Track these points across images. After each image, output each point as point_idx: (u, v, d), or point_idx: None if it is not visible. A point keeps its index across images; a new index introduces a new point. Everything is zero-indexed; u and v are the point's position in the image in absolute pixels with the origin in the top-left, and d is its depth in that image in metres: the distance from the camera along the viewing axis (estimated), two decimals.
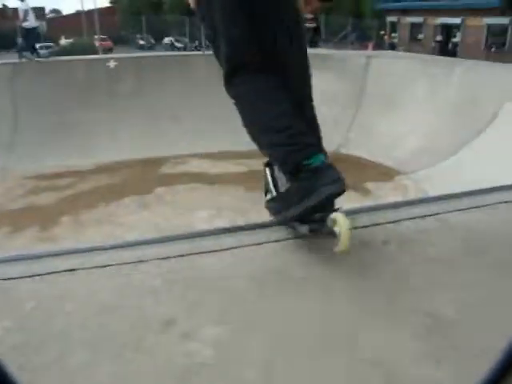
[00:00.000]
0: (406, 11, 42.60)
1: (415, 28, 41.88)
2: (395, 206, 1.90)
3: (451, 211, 1.81)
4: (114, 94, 10.38)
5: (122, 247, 1.76)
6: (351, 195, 7.27)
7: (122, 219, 6.53)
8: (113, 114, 10.04)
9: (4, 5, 60.50)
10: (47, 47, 36.74)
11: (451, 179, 7.46)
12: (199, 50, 31.83)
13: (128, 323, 1.29)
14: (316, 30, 16.72)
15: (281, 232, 1.96)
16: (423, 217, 1.80)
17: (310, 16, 10.74)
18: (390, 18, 44.67)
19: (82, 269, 1.60)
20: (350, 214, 2.24)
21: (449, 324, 1.10)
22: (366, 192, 7.52)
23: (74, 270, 1.60)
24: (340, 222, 1.44)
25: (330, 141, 9.52)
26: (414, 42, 41.04)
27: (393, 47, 39.90)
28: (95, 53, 31.45)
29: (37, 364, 1.18)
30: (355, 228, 1.79)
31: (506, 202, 1.89)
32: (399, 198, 7.25)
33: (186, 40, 38.47)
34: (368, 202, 7.12)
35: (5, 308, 1.45)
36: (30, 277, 1.58)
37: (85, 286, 1.54)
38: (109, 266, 1.60)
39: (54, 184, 8.19)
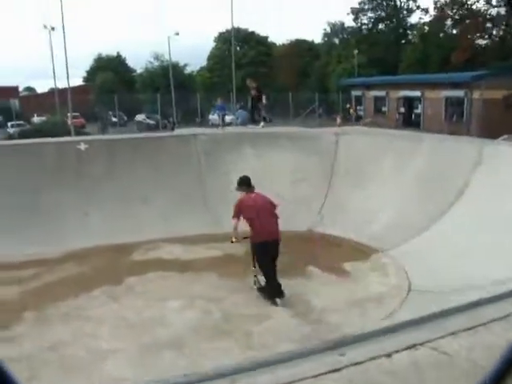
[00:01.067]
0: (369, 86, 44.86)
1: (379, 101, 43.99)
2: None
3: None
4: (84, 176, 10.23)
5: None
6: (330, 278, 7.15)
7: (91, 312, 6.18)
8: (83, 196, 9.84)
9: None
10: (18, 125, 36.99)
11: (428, 255, 7.46)
12: (171, 126, 32.41)
13: None
14: (259, 98, 14.23)
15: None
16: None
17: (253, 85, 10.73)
18: (355, 93, 46.88)
19: None
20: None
21: None
22: (343, 274, 7.39)
23: None
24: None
25: (304, 220, 9.59)
26: (378, 113, 42.93)
27: (359, 119, 41.57)
28: (67, 130, 31.76)
29: None
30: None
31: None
32: (378, 279, 7.16)
33: (158, 117, 39.34)
34: (347, 284, 6.99)
35: None
36: None
37: None
38: None
39: (17, 275, 7.76)
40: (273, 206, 6.83)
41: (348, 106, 44.14)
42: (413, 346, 2.20)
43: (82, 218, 9.53)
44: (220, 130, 13.29)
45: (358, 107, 45.67)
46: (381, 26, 59.47)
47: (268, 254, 6.42)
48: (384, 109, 43.10)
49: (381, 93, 43.02)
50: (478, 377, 1.21)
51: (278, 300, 6.28)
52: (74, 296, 6.77)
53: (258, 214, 6.52)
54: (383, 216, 9.22)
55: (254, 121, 14.48)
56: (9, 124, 38.78)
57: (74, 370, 4.95)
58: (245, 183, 7.06)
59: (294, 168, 10.54)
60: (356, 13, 58.33)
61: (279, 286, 6.34)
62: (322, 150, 10.84)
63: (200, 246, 8.63)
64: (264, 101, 14.39)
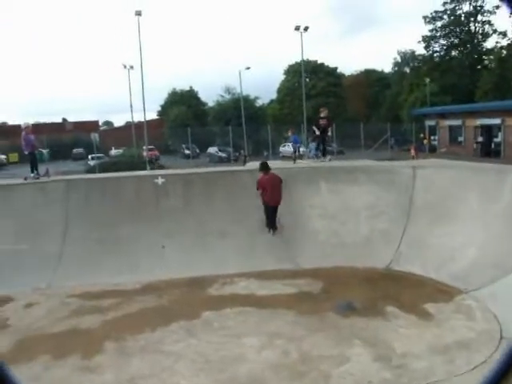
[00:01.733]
0: (443, 115, 43.50)
1: (454, 130, 42.47)
2: None
3: None
4: (161, 209, 10.57)
5: None
6: (412, 320, 6.78)
7: (169, 347, 6.23)
8: (160, 229, 10.14)
9: (64, 119, 65.72)
10: (98, 157, 39.19)
11: None
12: (243, 159, 32.91)
13: None
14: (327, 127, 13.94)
15: None
16: None
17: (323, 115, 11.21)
18: (429, 122, 45.63)
19: None
20: None
21: None
22: (426, 315, 6.98)
23: None
24: None
25: (382, 256, 9.27)
26: (454, 143, 41.41)
27: (434, 149, 40.30)
28: (143, 162, 33.14)
29: None
30: None
31: None
32: (464, 322, 6.71)
33: (230, 149, 40.25)
34: (430, 327, 6.60)
35: None
36: None
37: None
38: None
39: (98, 304, 8.05)
40: (280, 181, 10.26)
41: (422, 136, 43.01)
42: None
43: (159, 251, 9.78)
44: (293, 164, 13.31)
45: (432, 137, 44.38)
46: (454, 52, 57.96)
47: (270, 209, 10.21)
48: (460, 138, 41.55)
49: (456, 122, 41.58)
50: None
51: (271, 230, 10.23)
52: (151, 329, 6.87)
53: (268, 187, 10.09)
54: (466, 254, 8.70)
55: (323, 154, 14.36)
56: (89, 156, 41.21)
57: None
58: (264, 167, 10.44)
59: (370, 203, 10.28)
60: (427, 40, 57.32)
61: (274, 224, 10.25)
62: (398, 184, 10.50)
63: (276, 282, 8.54)
64: (329, 132, 14.33)
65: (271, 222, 10.23)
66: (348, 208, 10.18)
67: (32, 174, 12.14)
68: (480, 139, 38.65)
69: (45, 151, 13.92)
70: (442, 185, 10.08)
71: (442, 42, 57.28)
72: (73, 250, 9.86)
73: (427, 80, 49.15)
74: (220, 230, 10.06)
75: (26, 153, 12.41)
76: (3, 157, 44.27)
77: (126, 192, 11.00)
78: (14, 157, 44.05)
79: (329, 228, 10.13)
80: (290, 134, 16.86)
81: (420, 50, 59.95)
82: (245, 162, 12.53)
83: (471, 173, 10.42)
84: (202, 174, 12.04)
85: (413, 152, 31.17)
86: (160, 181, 10.89)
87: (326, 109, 14.72)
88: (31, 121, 12.25)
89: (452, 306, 7.39)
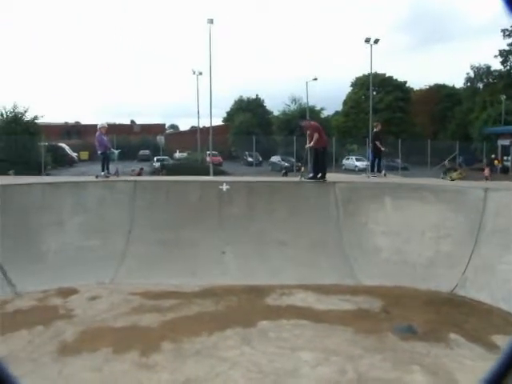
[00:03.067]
0: None
1: None
2: None
3: None
4: (224, 215, 10.71)
5: None
6: (476, 351, 6.45)
7: (224, 353, 6.27)
8: (221, 235, 10.28)
9: (132, 121, 68.33)
10: (163, 159, 40.40)
11: None
12: (300, 172, 32.82)
13: None
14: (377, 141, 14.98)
15: None
16: None
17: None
18: (502, 142, 43.58)
19: None
20: None
21: None
22: (493, 348, 6.59)
23: None
24: None
25: (446, 280, 8.90)
26: None
27: (506, 170, 38.42)
28: (206, 167, 33.77)
29: None
30: None
31: None
32: None
33: (293, 159, 40.29)
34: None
35: None
36: None
37: None
38: None
39: (158, 304, 8.25)
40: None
41: (493, 156, 41.15)
42: None
43: (219, 256, 9.91)
44: (365, 178, 13.30)
45: (505, 158, 42.35)
46: None
47: (321, 153, 11.84)
48: None
49: None
50: None
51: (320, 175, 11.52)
52: (208, 333, 6.95)
53: (320, 131, 11.62)
54: None
55: (374, 169, 14.55)
56: (155, 158, 42.56)
57: None
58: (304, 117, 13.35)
59: (435, 223, 9.92)
60: (505, 55, 54.76)
61: (325, 169, 11.72)
62: (468, 206, 10.07)
63: (334, 297, 8.42)
64: (382, 148, 14.49)
65: (323, 166, 11.63)
66: (412, 226, 9.88)
67: (103, 173, 12.68)
68: None
69: (116, 151, 14.48)
70: None
71: None
72: (136, 249, 10.19)
73: (503, 97, 47.01)
74: (281, 240, 10.06)
75: (99, 152, 12.98)
76: (75, 154, 46.54)
77: (190, 196, 11.25)
78: (85, 155, 46.38)
79: (392, 246, 9.87)
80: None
81: (496, 65, 57.49)
82: (301, 176, 12.44)
83: None
84: (266, 183, 12.11)
85: (486, 172, 29.67)
86: (225, 187, 11.05)
87: (379, 123, 15.14)
88: (102, 122, 12.79)
89: None
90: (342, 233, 10.23)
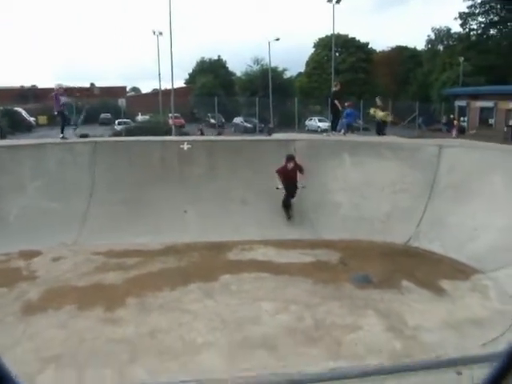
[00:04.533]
0: (475, 96, 42.44)
1: (485, 112, 41.46)
2: None
3: None
4: (185, 175, 10.74)
5: None
6: (425, 296, 6.87)
7: (187, 306, 6.45)
8: (183, 194, 10.33)
9: (91, 84, 66.24)
10: (124, 123, 39.60)
11: None
12: (268, 130, 32.81)
13: None
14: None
15: None
16: None
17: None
18: (459, 103, 44.61)
19: None
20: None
21: None
22: (441, 292, 7.05)
23: None
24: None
25: (401, 233, 9.31)
26: (484, 126, 40.49)
27: (462, 131, 39.46)
28: (169, 129, 33.38)
29: None
30: None
31: None
32: (478, 301, 6.76)
33: (256, 120, 40.15)
34: (444, 303, 6.68)
35: None
36: None
37: None
38: None
39: (121, 262, 8.33)
40: (299, 170, 10.25)
41: (452, 116, 42.12)
42: None
43: (181, 215, 10.00)
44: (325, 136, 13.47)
45: (462, 118, 43.43)
46: (492, 31, 55.91)
47: (287, 192, 10.20)
48: (491, 121, 40.59)
49: (488, 103, 40.56)
50: None
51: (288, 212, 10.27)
52: (171, 288, 7.11)
53: (286, 175, 10.15)
54: (487, 235, 8.66)
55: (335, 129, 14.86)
56: (116, 121, 41.63)
57: (170, 357, 5.19)
58: (288, 159, 10.25)
59: (393, 179, 10.27)
60: (465, 17, 55.34)
61: (289, 206, 10.29)
62: (423, 162, 10.45)
63: (294, 251, 8.69)
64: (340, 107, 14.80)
65: (286, 203, 10.36)
66: (371, 183, 10.20)
67: (61, 135, 12.44)
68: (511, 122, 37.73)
69: (81, 116, 14.13)
70: (467, 165, 9.99)
71: (481, 19, 55.29)
72: (98, 210, 10.15)
73: (461, 59, 47.79)
74: (242, 197, 10.21)
75: (56, 112, 12.72)
76: (33, 119, 44.98)
77: (151, 156, 11.20)
78: (43, 119, 44.83)
79: (350, 201, 10.18)
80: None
81: (456, 27, 58.15)
82: (270, 134, 12.62)
83: (499, 154, 10.30)
84: (227, 142, 12.16)
85: (454, 133, 29.61)
86: (186, 146, 11.05)
87: (339, 83, 15.61)
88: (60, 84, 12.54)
89: (468, 285, 7.43)
90: (302, 190, 10.42)
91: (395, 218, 9.61)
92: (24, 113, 44.00)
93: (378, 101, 16.85)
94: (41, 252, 8.85)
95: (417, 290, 7.09)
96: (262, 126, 39.74)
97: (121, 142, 12.94)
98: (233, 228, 9.37)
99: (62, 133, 12.47)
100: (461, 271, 7.97)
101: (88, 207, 10.24)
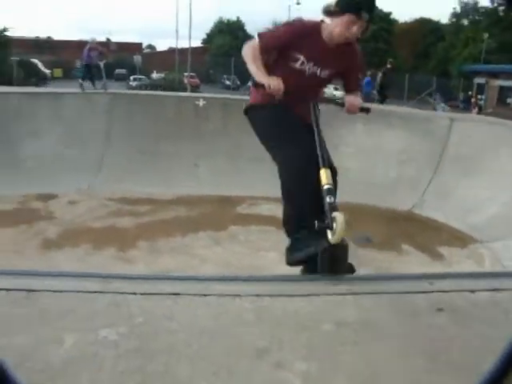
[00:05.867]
0: (495, 74, 41.71)
1: (505, 91, 40.79)
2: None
3: None
4: (199, 130, 10.97)
5: (220, 280, 1.98)
6: (423, 258, 7.19)
7: (196, 251, 6.82)
8: (196, 149, 10.61)
9: (107, 39, 65.72)
10: (139, 79, 39.51)
11: None
12: None
13: (225, 347, 1.49)
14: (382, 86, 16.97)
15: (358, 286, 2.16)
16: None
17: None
18: (478, 80, 43.88)
19: (186, 294, 1.83)
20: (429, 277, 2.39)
21: None
22: (438, 256, 7.36)
23: (178, 294, 1.84)
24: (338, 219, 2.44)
25: (405, 200, 9.57)
26: (501, 105, 39.92)
27: (479, 109, 38.97)
28: (184, 88, 33.36)
29: (150, 370, 1.39)
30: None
31: None
32: (474, 267, 7.07)
33: None
34: (439, 266, 7.00)
35: (119, 319, 1.70)
36: (140, 294, 1.83)
37: (187, 309, 1.76)
38: (209, 295, 1.82)
39: (134, 209, 8.71)
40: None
41: (470, 93, 41.53)
42: (495, 290, 2.36)
43: (193, 169, 10.30)
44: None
45: (479, 96, 42.83)
46: None
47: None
48: (509, 100, 40.00)
49: (508, 83, 39.86)
50: None
51: None
52: (181, 234, 7.49)
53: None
54: (489, 207, 8.89)
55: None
56: (131, 78, 41.58)
57: None
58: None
59: (402, 148, 10.43)
60: None
61: None
62: (433, 133, 10.58)
63: None
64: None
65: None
66: (380, 150, 10.38)
67: (80, 81, 12.76)
68: None
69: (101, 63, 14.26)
70: (477, 139, 10.11)
71: None
72: (114, 158, 10.48)
73: (485, 35, 46.69)
74: (254, 155, 10.42)
75: (84, 63, 13.08)
76: (48, 71, 44.90)
77: (167, 110, 11.45)
78: (58, 72, 44.77)
79: (359, 167, 10.38)
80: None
81: (484, 1, 56.44)
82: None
83: (509, 130, 10.40)
84: (242, 101, 12.29)
85: (474, 112, 29.10)
86: (201, 103, 11.25)
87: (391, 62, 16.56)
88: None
89: (465, 252, 7.72)
90: None
91: (401, 186, 9.83)
92: (40, 64, 43.92)
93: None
94: (57, 195, 9.23)
95: (415, 253, 7.40)
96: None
97: (138, 95, 13.16)
98: (242, 184, 9.65)
99: (83, 81, 12.76)
100: (460, 239, 8.25)
101: (103, 155, 10.57)
